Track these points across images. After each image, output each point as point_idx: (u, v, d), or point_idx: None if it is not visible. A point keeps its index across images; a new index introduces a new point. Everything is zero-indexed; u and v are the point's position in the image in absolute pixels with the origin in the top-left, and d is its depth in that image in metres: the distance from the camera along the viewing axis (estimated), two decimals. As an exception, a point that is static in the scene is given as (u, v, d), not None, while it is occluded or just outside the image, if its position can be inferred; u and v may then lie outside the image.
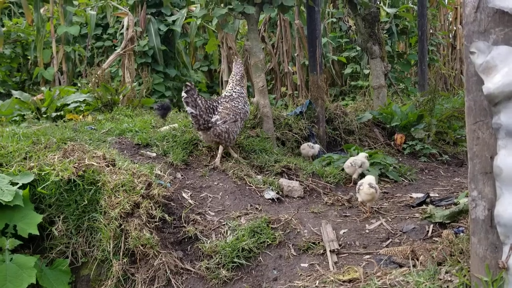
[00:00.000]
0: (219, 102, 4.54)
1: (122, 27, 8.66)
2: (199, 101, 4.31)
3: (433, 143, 6.54)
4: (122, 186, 3.22)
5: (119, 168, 3.42)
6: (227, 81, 8.18)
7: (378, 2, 9.09)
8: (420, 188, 4.70)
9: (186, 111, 4.36)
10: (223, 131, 4.38)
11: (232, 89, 4.69)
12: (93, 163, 3.28)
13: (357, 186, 3.78)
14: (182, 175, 4.24)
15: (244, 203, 3.87)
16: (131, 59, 8.23)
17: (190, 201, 3.82)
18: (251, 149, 4.84)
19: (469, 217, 2.10)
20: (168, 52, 9.64)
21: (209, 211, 3.75)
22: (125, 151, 4.41)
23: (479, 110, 2.05)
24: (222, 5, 5.28)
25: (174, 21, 9.46)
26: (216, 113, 4.43)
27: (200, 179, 4.24)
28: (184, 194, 3.89)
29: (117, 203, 3.12)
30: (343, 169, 4.76)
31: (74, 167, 3.20)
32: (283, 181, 4.22)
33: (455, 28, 13.76)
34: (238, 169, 4.34)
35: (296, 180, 4.43)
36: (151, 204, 3.24)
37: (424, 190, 4.63)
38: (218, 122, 4.37)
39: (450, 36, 13.77)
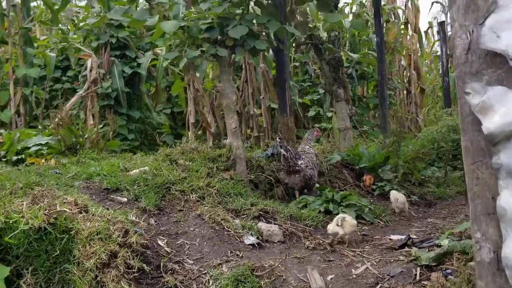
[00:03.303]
0: (300, 153, 5.59)
1: (85, 69, 8.48)
2: (289, 148, 5.50)
3: (399, 184, 6.62)
4: (97, 234, 3.01)
5: (92, 215, 3.21)
6: (193, 123, 8.14)
7: (342, 48, 9.38)
8: (397, 230, 4.69)
9: (280, 153, 5.47)
10: (309, 176, 5.37)
11: (307, 149, 5.70)
12: (65, 209, 3.06)
13: (337, 221, 4.00)
14: (155, 221, 4.04)
15: (223, 250, 3.71)
16: (94, 101, 8.03)
17: (166, 248, 3.62)
18: (225, 192, 4.71)
19: (474, 260, 2.07)
20: (132, 94, 9.50)
21: (187, 259, 3.56)
22: (94, 196, 4.18)
23: (476, 150, 2.05)
24: (194, 47, 5.27)
25: (139, 64, 9.40)
26: (301, 159, 5.45)
27: (175, 224, 4.05)
28: (159, 242, 3.69)
29: (92, 253, 2.89)
30: (320, 212, 4.72)
31: (45, 214, 2.97)
32: (262, 225, 4.10)
33: (409, 74, 14.38)
34: (215, 214, 4.19)
35: (274, 223, 4.32)
36: (129, 253, 3.03)
37: (401, 231, 4.62)
38: (302, 166, 5.36)
39: (405, 81, 14.36)
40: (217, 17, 5.08)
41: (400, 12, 14.78)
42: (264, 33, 5.52)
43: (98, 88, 8.36)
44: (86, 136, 5.78)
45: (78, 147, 5.67)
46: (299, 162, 5.37)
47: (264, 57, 9.48)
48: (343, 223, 3.98)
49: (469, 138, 2.08)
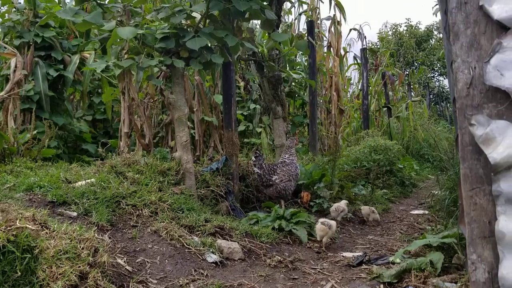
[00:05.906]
0: (278, 166, 5.91)
1: (8, 69, 7.76)
2: (264, 165, 5.85)
3: (332, 201, 6.85)
4: (64, 253, 2.74)
5: (55, 232, 2.93)
6: (126, 133, 7.78)
7: (281, 67, 9.55)
8: (344, 247, 4.85)
9: (254, 171, 5.88)
10: (282, 188, 5.76)
11: (287, 158, 6.01)
12: (27, 225, 2.75)
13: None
14: (110, 237, 3.78)
15: (187, 268, 3.58)
16: (16, 104, 7.36)
17: (127, 267, 3.40)
18: (178, 207, 4.56)
19: (469, 280, 2.20)
20: (55, 99, 8.85)
21: (150, 279, 3.38)
22: (39, 210, 3.82)
23: (475, 177, 2.20)
24: (144, 56, 5.07)
25: (65, 67, 8.81)
26: (276, 174, 5.81)
27: (131, 241, 3.83)
28: (118, 260, 3.46)
29: (60, 274, 2.63)
30: (273, 228, 4.74)
31: (2, 231, 2.65)
32: (222, 243, 4.03)
33: (330, 95, 15.04)
34: (171, 230, 4.03)
35: (231, 240, 4.26)
36: (99, 274, 2.80)
37: (348, 248, 4.79)
38: (277, 181, 5.76)
39: (327, 101, 14.98)
40: (173, 28, 4.95)
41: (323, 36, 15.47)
42: (216, 48, 5.48)
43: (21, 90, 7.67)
44: (18, 143, 5.26)
45: (8, 154, 5.13)
46: (273, 178, 5.78)
47: (199, 70, 9.37)
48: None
49: (468, 166, 2.22)
